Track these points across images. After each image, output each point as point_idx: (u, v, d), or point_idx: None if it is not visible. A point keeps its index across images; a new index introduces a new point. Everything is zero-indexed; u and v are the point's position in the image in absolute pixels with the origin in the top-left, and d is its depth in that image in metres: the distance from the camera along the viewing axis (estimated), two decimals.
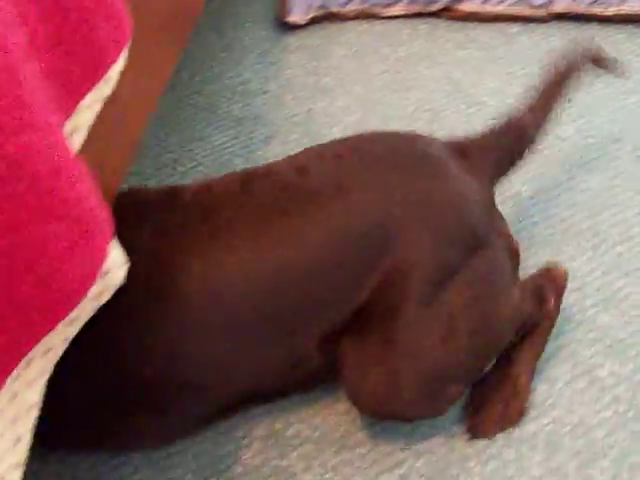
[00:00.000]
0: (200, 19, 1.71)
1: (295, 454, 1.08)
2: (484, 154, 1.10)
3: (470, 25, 1.64)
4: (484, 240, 1.02)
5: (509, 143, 1.13)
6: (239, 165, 1.43)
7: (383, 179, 0.99)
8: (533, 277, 1.13)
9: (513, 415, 1.08)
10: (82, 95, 0.86)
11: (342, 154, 1.02)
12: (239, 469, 1.07)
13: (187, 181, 1.42)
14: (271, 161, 1.07)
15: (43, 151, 0.69)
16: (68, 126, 0.85)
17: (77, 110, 0.86)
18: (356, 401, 1.00)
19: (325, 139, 1.46)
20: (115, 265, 0.81)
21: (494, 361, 1.11)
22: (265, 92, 1.56)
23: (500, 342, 1.05)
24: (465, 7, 1.62)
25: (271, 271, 0.96)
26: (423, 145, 1.04)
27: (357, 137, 1.07)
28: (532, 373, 1.11)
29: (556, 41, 1.59)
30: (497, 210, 1.10)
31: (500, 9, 1.60)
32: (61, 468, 1.07)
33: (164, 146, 1.48)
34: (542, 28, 1.62)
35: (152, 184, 1.42)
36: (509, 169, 1.15)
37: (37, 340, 0.74)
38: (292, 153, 1.44)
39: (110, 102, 1.00)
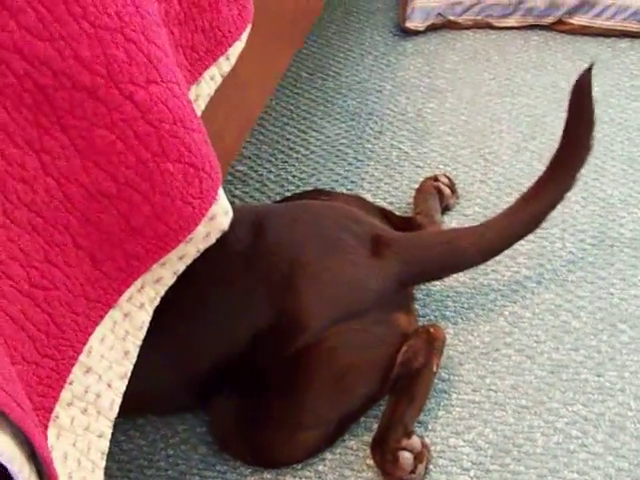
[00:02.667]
0: (323, 24, 1.84)
1: (373, 412, 1.17)
2: (398, 254, 1.17)
3: (580, 39, 1.70)
4: (358, 314, 1.12)
5: (432, 256, 1.18)
6: (350, 155, 1.55)
7: (297, 253, 1.14)
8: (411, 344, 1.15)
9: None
10: (205, 67, 1.00)
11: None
12: None
13: (301, 167, 1.54)
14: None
15: (168, 101, 0.82)
16: (192, 93, 0.99)
17: (200, 80, 1.00)
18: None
19: (432, 137, 1.55)
20: (221, 212, 0.93)
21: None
22: (379, 91, 1.67)
23: (350, 400, 1.13)
24: (576, 21, 1.69)
25: None
26: (344, 229, 1.18)
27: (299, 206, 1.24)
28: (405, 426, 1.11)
29: None
30: (401, 302, 1.18)
31: (610, 24, 1.67)
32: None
33: (282, 134, 1.61)
34: None
35: (268, 167, 1.55)
36: (431, 278, 1.24)
37: (148, 265, 0.87)
38: (400, 147, 1.55)
39: (232, 81, 1.13)
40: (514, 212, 1.23)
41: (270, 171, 1.54)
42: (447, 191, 1.42)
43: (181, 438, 1.19)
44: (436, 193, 1.42)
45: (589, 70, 1.18)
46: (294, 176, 1.53)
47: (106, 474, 1.15)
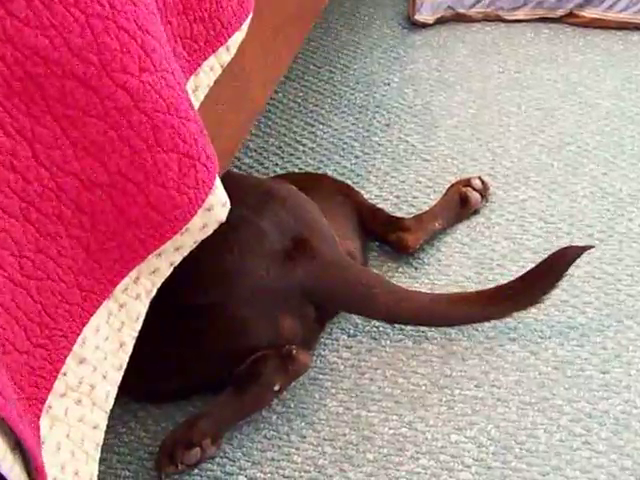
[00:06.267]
0: (332, 17, 1.83)
1: (375, 407, 1.17)
2: (311, 267, 1.18)
3: (592, 31, 1.68)
4: (238, 298, 1.15)
5: (343, 290, 1.20)
6: (357, 148, 1.54)
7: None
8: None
9: None
10: (204, 58, 0.99)
11: None
12: (322, 415, 1.17)
13: (308, 160, 1.53)
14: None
15: (162, 90, 0.81)
16: (191, 83, 0.98)
17: (199, 70, 0.99)
18: None
19: (440, 130, 1.54)
20: (218, 203, 0.92)
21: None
22: (388, 84, 1.65)
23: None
24: (588, 13, 1.67)
25: None
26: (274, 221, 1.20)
27: None
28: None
29: None
30: (296, 309, 1.18)
31: (622, 17, 1.65)
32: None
33: (289, 127, 1.60)
34: None
35: (274, 160, 1.54)
36: (336, 306, 1.25)
37: (144, 256, 0.87)
38: (408, 141, 1.53)
39: (235, 72, 1.12)
40: (448, 302, 1.23)
41: (276, 164, 1.54)
42: (475, 197, 1.37)
43: None
44: (458, 201, 1.37)
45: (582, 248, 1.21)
46: (300, 169, 1.52)
47: (106, 466, 1.16)
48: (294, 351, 1.14)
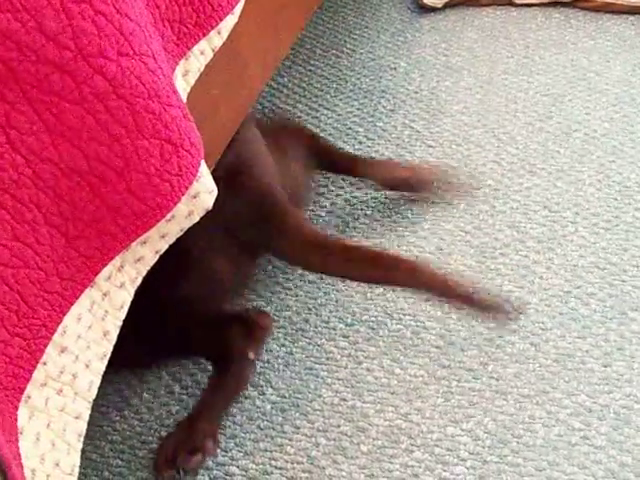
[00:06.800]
0: (339, 1, 1.80)
1: (371, 398, 1.15)
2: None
3: (604, 16, 1.64)
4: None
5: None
6: (361, 133, 1.51)
7: None
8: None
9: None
10: (195, 41, 0.97)
11: None
12: (317, 406, 1.15)
13: None
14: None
15: (142, 75, 0.79)
16: (181, 67, 0.96)
17: (189, 54, 0.97)
18: None
19: (446, 116, 1.51)
20: (205, 190, 0.90)
21: None
22: (394, 68, 1.63)
23: None
24: None
25: None
26: None
27: None
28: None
29: None
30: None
31: (634, 1, 1.60)
32: None
33: (293, 112, 1.57)
34: None
35: None
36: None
37: (126, 244, 0.85)
38: (412, 126, 1.51)
39: (230, 55, 1.10)
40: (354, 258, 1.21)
41: None
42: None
43: (175, 420, 1.17)
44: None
45: None
46: None
47: (98, 454, 1.15)
48: (254, 315, 1.18)
